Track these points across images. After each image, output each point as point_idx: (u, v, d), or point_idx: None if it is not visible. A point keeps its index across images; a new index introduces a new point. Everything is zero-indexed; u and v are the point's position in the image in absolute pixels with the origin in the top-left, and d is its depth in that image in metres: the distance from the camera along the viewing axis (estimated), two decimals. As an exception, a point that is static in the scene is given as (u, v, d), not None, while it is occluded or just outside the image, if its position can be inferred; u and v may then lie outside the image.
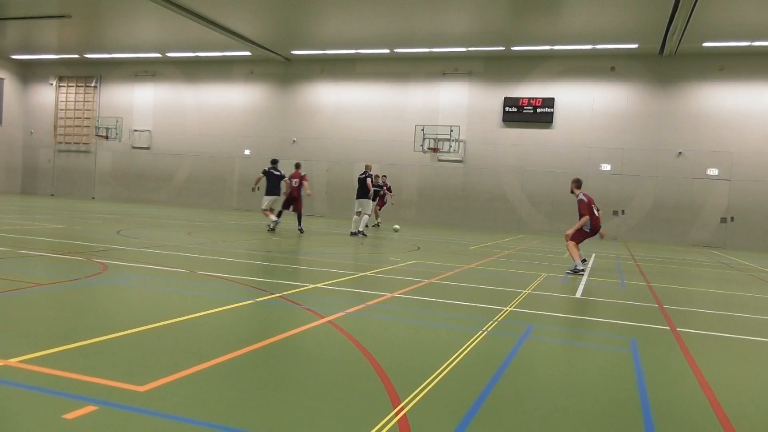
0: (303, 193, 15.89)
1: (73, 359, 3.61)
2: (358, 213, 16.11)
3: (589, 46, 22.28)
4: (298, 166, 16.45)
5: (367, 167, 16.57)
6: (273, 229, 15.37)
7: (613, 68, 23.39)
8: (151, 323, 4.65)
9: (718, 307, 7.71)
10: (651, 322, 6.21)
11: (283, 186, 15.64)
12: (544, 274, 9.80)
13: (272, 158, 16.87)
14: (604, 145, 23.56)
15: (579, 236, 10.54)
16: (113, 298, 6.05)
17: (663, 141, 22.96)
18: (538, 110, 24.19)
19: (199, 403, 3.04)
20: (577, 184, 10.86)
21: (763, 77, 21.87)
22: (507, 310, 6.29)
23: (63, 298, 5.66)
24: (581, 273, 10.12)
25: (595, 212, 10.65)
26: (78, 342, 3.98)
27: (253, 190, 16.36)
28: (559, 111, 24.07)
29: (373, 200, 17.13)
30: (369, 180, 15.93)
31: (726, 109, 22.29)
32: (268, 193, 15.46)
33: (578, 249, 10.47)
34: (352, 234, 15.85)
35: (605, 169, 23.57)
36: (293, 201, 15.81)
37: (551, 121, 24.12)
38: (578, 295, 7.86)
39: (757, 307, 7.91)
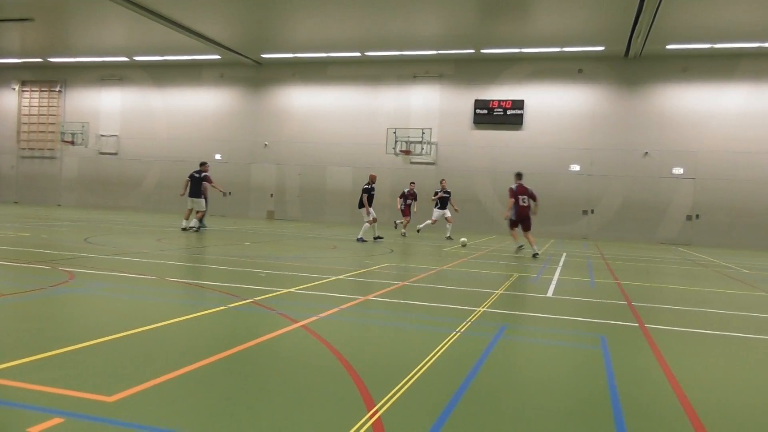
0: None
1: (38, 371, 3.52)
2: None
3: (557, 49, 22.63)
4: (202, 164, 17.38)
5: (372, 178, 16.40)
6: (185, 229, 16.32)
7: (580, 70, 23.78)
8: (120, 332, 4.56)
9: (684, 303, 7.88)
10: (620, 319, 6.32)
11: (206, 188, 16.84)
12: (516, 275, 9.90)
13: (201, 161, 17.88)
14: (573, 145, 23.93)
15: (511, 223, 13.50)
16: (80, 307, 5.91)
17: (630, 141, 23.41)
18: (509, 112, 24.45)
19: (170, 412, 2.99)
20: (517, 176, 13.78)
21: (724, 78, 22.47)
22: (480, 310, 6.33)
23: (27, 308, 5.51)
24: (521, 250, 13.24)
25: (521, 201, 13.26)
26: (43, 353, 3.88)
27: (182, 195, 16.93)
28: (529, 113, 24.37)
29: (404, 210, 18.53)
30: (365, 195, 16.01)
31: (690, 110, 22.84)
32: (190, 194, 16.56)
33: (515, 234, 13.61)
34: (359, 240, 16.04)
35: (574, 169, 23.94)
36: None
37: (521, 123, 24.40)
38: (549, 294, 7.96)
39: (721, 302, 8.11)
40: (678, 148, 22.97)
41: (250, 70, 27.96)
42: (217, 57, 26.78)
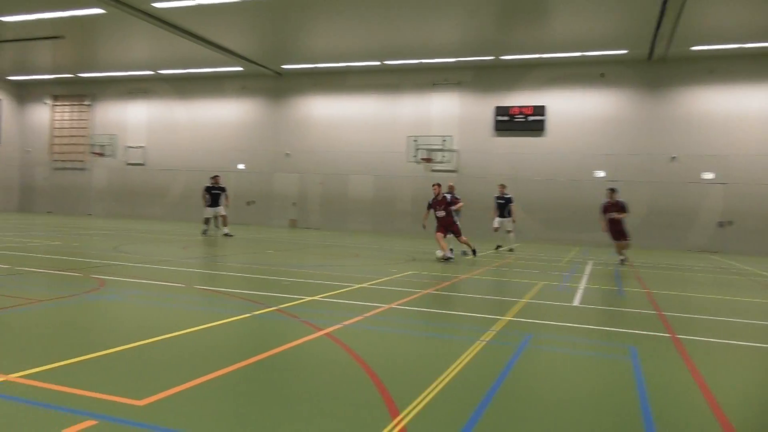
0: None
1: (71, 374, 3.61)
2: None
3: (578, 54, 22.48)
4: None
5: (450, 188, 15.15)
6: (227, 234, 17.85)
7: (602, 75, 23.56)
8: (149, 338, 4.65)
9: (718, 313, 7.71)
10: (650, 329, 6.21)
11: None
12: (541, 283, 9.82)
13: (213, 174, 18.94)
14: (597, 151, 23.68)
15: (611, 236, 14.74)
16: (111, 313, 6.04)
17: (655, 146, 23.09)
18: (530, 118, 24.32)
19: (197, 417, 3.05)
20: (610, 192, 14.97)
21: (753, 79, 22.04)
22: (505, 319, 6.30)
23: (61, 314, 5.65)
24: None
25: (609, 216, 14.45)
26: (76, 357, 3.97)
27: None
28: (551, 119, 24.22)
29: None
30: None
31: (718, 112, 22.43)
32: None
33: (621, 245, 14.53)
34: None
35: (599, 175, 23.68)
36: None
37: (543, 129, 24.25)
38: (576, 303, 7.88)
39: (758, 313, 7.91)
40: (707, 152, 22.57)
41: (271, 81, 28.28)
42: (239, 69, 27.15)
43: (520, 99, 24.53)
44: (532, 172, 24.36)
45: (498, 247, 17.49)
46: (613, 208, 14.35)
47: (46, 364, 3.76)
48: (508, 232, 17.45)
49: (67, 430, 2.74)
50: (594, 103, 23.77)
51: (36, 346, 4.42)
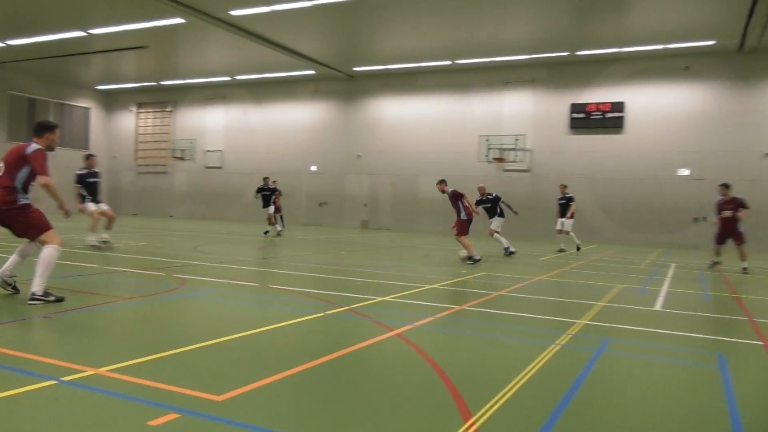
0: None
1: (156, 369, 3.79)
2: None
3: (661, 46, 21.45)
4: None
5: (480, 189, 15.87)
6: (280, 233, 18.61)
7: (687, 67, 22.39)
8: (227, 335, 4.81)
9: (813, 318, 7.16)
10: (740, 336, 5.85)
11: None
12: (620, 286, 9.45)
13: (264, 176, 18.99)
14: (681, 148, 22.53)
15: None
16: (191, 311, 6.30)
17: (746, 142, 21.69)
18: (607, 115, 23.46)
19: (272, 413, 3.12)
20: (722, 187, 13.72)
21: None
22: (581, 323, 6.09)
23: (146, 311, 5.95)
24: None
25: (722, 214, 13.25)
26: (160, 353, 4.16)
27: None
28: (630, 115, 23.26)
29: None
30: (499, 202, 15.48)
31: (816, 106, 20.83)
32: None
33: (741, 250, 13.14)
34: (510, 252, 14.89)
35: (683, 173, 22.52)
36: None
37: (622, 126, 23.33)
38: (657, 307, 7.52)
39: None
40: (802, 147, 21.00)
41: (343, 83, 28.68)
42: (312, 72, 27.71)
43: (597, 95, 23.71)
44: (609, 171, 23.49)
45: (578, 248, 16.84)
46: (728, 205, 13.28)
47: (132, 359, 3.96)
48: (568, 233, 16.80)
49: (152, 422, 2.87)
50: (678, 97, 22.63)
51: (123, 342, 4.67)
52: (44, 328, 4.84)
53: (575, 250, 16.65)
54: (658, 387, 4.06)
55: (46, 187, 6.08)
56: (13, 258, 6.19)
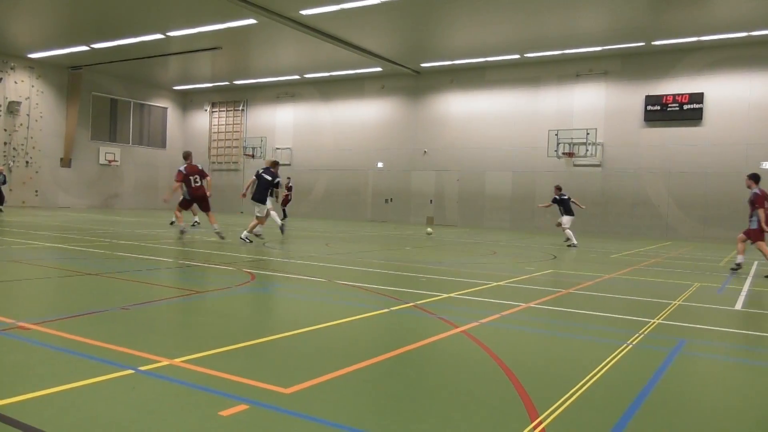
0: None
1: (227, 361, 3.92)
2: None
3: (744, 34, 20.23)
4: (186, 156, 15.59)
5: (559, 191, 17.19)
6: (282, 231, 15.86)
7: (773, 55, 21.04)
8: (295, 329, 4.92)
9: None
10: (830, 338, 5.46)
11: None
12: (697, 284, 9.01)
13: (274, 160, 15.95)
14: (765, 140, 21.21)
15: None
16: (260, 305, 6.49)
17: (840, 133, 20.18)
18: (685, 107, 22.37)
19: (338, 406, 3.17)
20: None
21: None
22: (654, 322, 5.86)
23: (218, 304, 6.17)
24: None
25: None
26: (231, 345, 4.31)
27: (243, 196, 15.43)
28: (710, 106, 22.08)
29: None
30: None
31: None
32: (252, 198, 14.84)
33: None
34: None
35: (767, 166, 21.19)
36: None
37: (700, 118, 22.19)
38: (738, 306, 7.13)
39: None
40: None
41: (410, 79, 28.68)
42: (379, 69, 27.85)
43: (674, 87, 22.65)
44: (687, 164, 22.41)
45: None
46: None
47: (204, 351, 4.12)
48: (565, 229, 16.74)
49: (223, 412, 2.98)
50: (762, 87, 21.30)
51: (196, 334, 4.86)
52: (123, 320, 5.12)
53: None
54: (737, 390, 3.85)
55: None
56: None
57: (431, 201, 28.21)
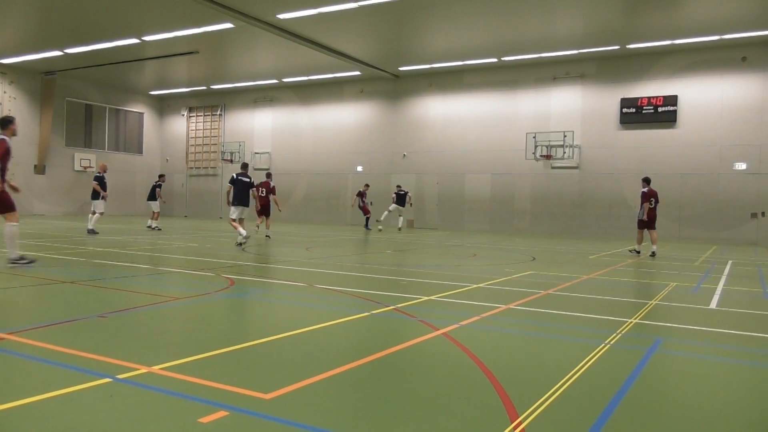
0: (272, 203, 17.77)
1: (206, 367, 3.89)
2: None
3: (716, 37, 20.65)
4: (268, 176, 18.64)
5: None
6: (240, 245, 13.73)
7: (744, 58, 21.50)
8: (275, 334, 4.90)
9: None
10: (801, 334, 5.59)
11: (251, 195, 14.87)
12: (673, 284, 9.16)
13: (242, 162, 15.36)
14: (738, 142, 21.65)
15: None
16: (240, 310, 6.45)
17: (809, 134, 20.68)
18: (659, 109, 22.75)
19: (319, 411, 3.16)
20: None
21: None
22: (631, 321, 5.94)
23: (197, 311, 6.11)
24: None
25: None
26: (210, 351, 4.28)
27: (229, 203, 14.50)
28: (684, 109, 22.49)
29: None
30: None
31: None
32: (237, 203, 14.29)
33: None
34: None
35: (740, 167, 21.65)
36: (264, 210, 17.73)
37: (675, 120, 22.58)
38: (713, 305, 7.26)
39: None
40: None
41: (388, 83, 28.74)
42: (357, 73, 27.87)
43: (649, 89, 23.03)
44: (662, 166, 22.77)
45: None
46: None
47: (183, 358, 4.09)
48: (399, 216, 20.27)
49: (203, 419, 2.95)
50: (734, 89, 21.75)
51: (175, 341, 4.82)
52: (100, 328, 5.05)
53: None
54: (714, 387, 3.92)
55: None
56: None
57: (411, 204, 28.24)
